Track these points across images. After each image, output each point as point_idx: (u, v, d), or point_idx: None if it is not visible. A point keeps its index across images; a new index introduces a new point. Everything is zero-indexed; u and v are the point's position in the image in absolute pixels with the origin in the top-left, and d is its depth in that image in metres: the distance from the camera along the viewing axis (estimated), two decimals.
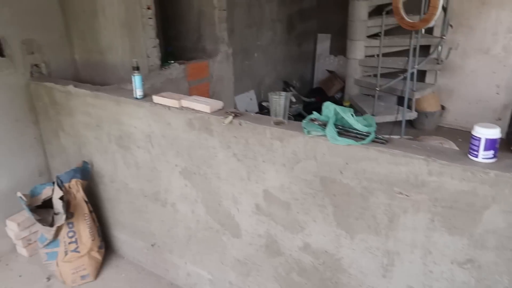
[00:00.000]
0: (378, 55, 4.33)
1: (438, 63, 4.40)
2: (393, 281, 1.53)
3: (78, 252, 2.45)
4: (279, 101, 1.65)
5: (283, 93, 1.66)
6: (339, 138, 1.47)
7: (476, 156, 1.29)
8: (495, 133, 1.26)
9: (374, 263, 1.56)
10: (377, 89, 3.98)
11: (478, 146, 1.28)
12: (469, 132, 1.32)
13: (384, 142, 1.46)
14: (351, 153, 1.47)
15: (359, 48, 4.70)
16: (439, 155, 1.34)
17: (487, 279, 1.32)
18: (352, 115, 1.51)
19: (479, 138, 1.28)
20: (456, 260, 1.37)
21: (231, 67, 3.77)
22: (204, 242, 2.14)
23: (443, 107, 4.80)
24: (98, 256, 2.53)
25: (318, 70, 6.08)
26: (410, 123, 4.86)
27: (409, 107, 4.13)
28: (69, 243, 2.43)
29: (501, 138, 1.30)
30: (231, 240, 2.01)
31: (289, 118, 1.70)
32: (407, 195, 1.40)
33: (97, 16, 2.69)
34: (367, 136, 1.46)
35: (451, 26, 4.48)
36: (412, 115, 4.12)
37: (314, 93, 5.75)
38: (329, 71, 5.78)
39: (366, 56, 4.84)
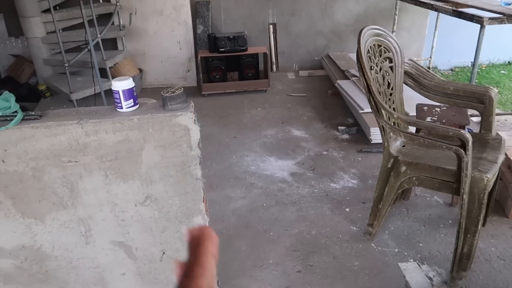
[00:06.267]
0: (59, 30, 4.10)
1: (121, 29, 4.55)
2: (97, 244, 1.59)
3: None
4: None
5: None
6: None
7: (121, 107, 1.43)
8: (128, 84, 1.42)
9: (73, 235, 1.57)
10: (66, 65, 3.81)
11: (120, 98, 1.42)
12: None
13: (38, 117, 1.42)
14: (5, 139, 1.37)
15: (36, 25, 4.32)
16: (91, 115, 1.42)
17: (165, 206, 1.55)
18: None
19: (118, 91, 1.41)
20: (138, 202, 1.53)
21: None
22: None
23: (141, 70, 5.08)
24: None
25: (1, 57, 5.27)
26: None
27: (108, 77, 4.16)
28: None
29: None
30: None
31: None
32: (76, 161, 1.44)
33: None
34: (15, 116, 1.38)
35: None
36: (109, 84, 4.19)
37: (4, 84, 4.99)
38: (14, 56, 5.11)
39: (48, 33, 4.51)
